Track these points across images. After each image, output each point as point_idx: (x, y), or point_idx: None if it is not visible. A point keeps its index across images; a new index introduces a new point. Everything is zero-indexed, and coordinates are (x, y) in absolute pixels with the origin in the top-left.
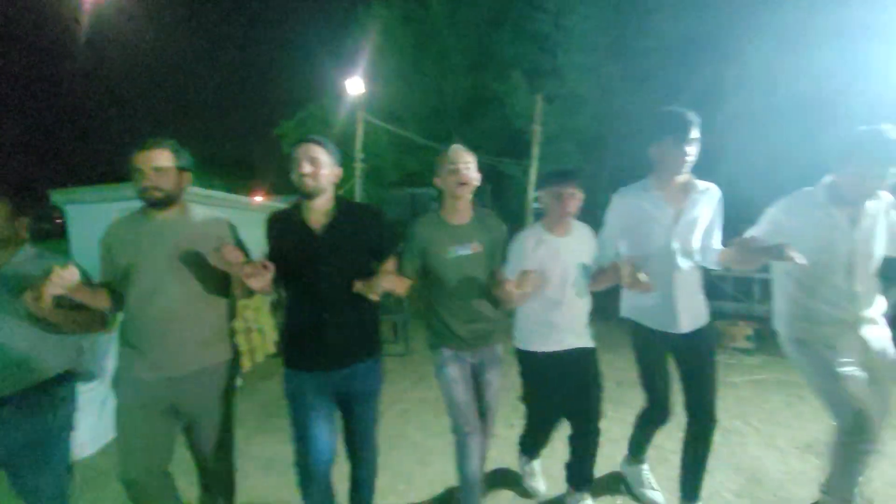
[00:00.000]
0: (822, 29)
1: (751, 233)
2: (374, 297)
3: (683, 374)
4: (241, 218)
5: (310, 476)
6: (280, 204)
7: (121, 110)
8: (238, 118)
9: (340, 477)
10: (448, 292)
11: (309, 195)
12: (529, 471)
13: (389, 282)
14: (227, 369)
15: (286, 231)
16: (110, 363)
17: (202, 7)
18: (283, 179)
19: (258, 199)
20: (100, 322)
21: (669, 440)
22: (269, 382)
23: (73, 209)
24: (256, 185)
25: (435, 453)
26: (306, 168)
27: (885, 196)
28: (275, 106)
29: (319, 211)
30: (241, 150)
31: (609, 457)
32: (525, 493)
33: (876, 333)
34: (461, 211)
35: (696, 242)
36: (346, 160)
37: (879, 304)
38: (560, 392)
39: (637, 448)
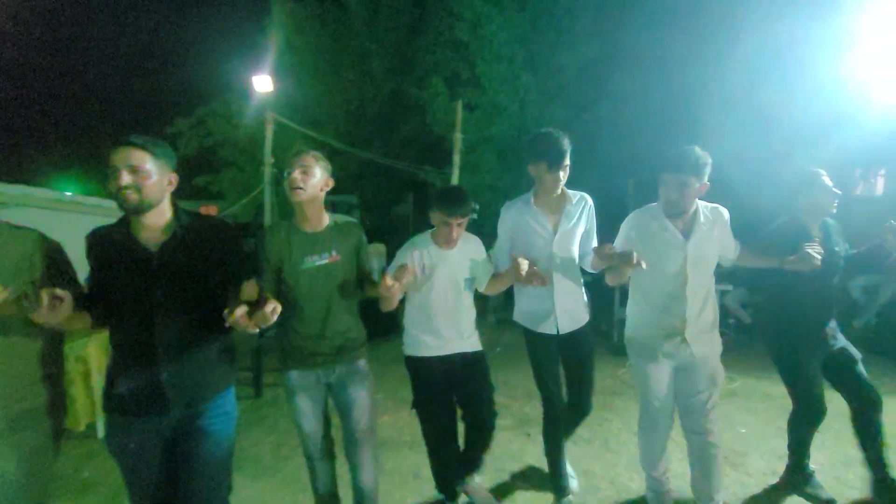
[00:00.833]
0: (722, 45)
1: (615, 243)
2: (251, 328)
3: (566, 371)
4: None
5: None
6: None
7: None
8: (125, 113)
9: None
10: (301, 305)
11: (133, 211)
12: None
13: (259, 316)
14: (37, 424)
15: (111, 252)
16: None
17: None
18: (183, 183)
19: None
20: None
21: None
22: None
23: None
24: None
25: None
26: (125, 179)
27: (721, 210)
28: (169, 101)
29: (153, 227)
30: None
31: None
32: None
33: (702, 339)
34: (312, 218)
35: (575, 250)
36: (255, 164)
37: (710, 311)
38: (449, 395)
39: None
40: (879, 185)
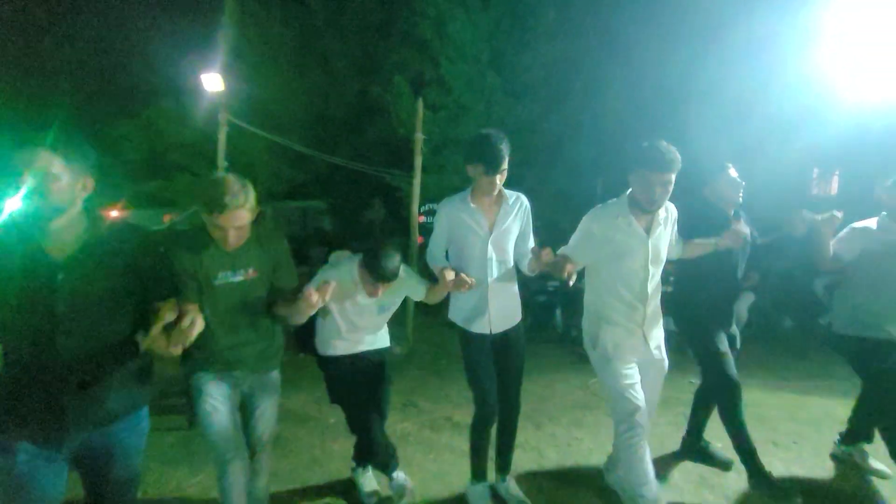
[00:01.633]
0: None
1: (571, 239)
2: (173, 350)
3: (497, 369)
4: None
5: None
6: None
7: None
8: (63, 112)
9: None
10: (214, 320)
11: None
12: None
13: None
14: None
15: (8, 260)
16: None
17: None
18: (135, 190)
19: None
20: None
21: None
22: None
23: None
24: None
25: None
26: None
27: (671, 207)
28: (114, 101)
29: (62, 236)
30: None
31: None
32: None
33: (655, 334)
34: (232, 238)
35: (511, 249)
36: (211, 169)
37: (660, 305)
38: (362, 389)
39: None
40: (834, 185)
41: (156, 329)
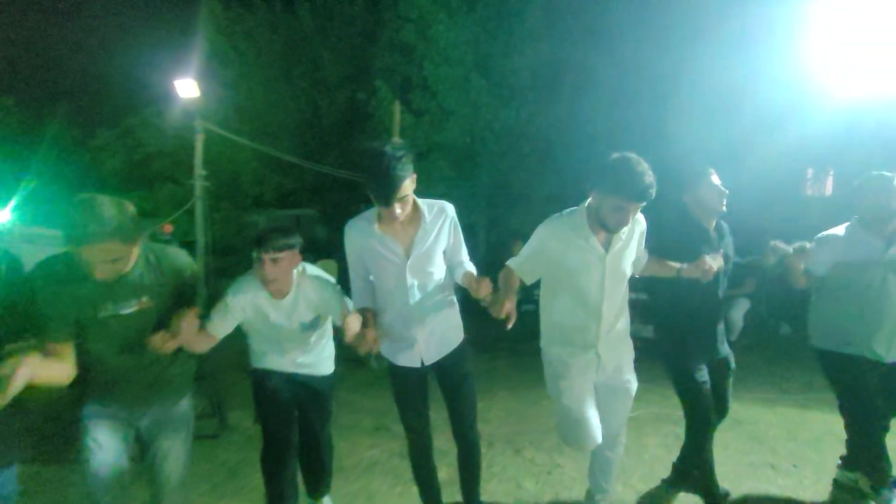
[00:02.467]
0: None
1: (522, 251)
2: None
3: (445, 400)
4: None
5: None
6: None
7: None
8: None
9: None
10: (105, 354)
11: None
12: None
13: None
14: None
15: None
16: None
17: None
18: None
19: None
20: None
21: None
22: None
23: None
24: None
25: None
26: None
27: (641, 219)
28: (92, 110)
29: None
30: None
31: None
32: None
33: (614, 352)
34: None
35: (437, 270)
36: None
37: (623, 323)
38: (285, 414)
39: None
40: (829, 186)
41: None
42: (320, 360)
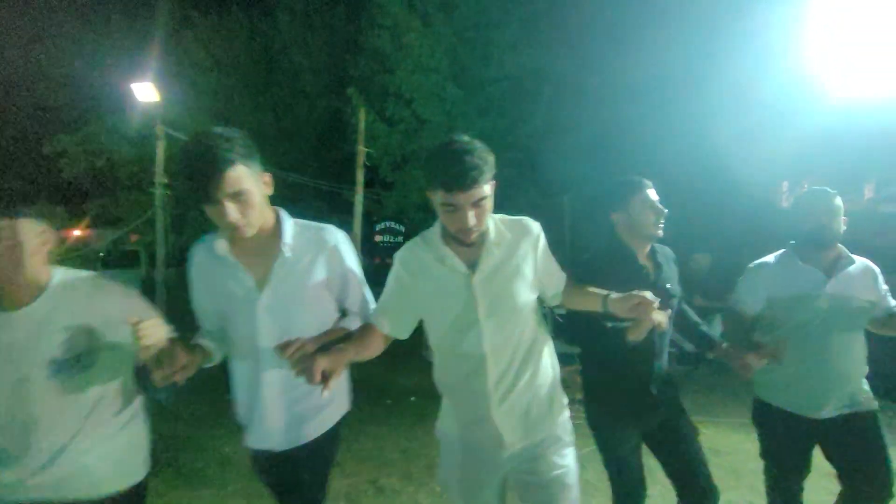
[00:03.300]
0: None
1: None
2: None
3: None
4: None
5: None
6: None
7: None
8: None
9: None
10: None
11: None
12: None
13: None
14: None
15: None
16: None
17: None
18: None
19: None
20: None
21: None
22: None
23: None
24: None
25: None
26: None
27: (528, 223)
28: (50, 114)
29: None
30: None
31: None
32: None
33: (525, 425)
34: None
35: (306, 314)
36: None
37: (538, 388)
38: None
39: None
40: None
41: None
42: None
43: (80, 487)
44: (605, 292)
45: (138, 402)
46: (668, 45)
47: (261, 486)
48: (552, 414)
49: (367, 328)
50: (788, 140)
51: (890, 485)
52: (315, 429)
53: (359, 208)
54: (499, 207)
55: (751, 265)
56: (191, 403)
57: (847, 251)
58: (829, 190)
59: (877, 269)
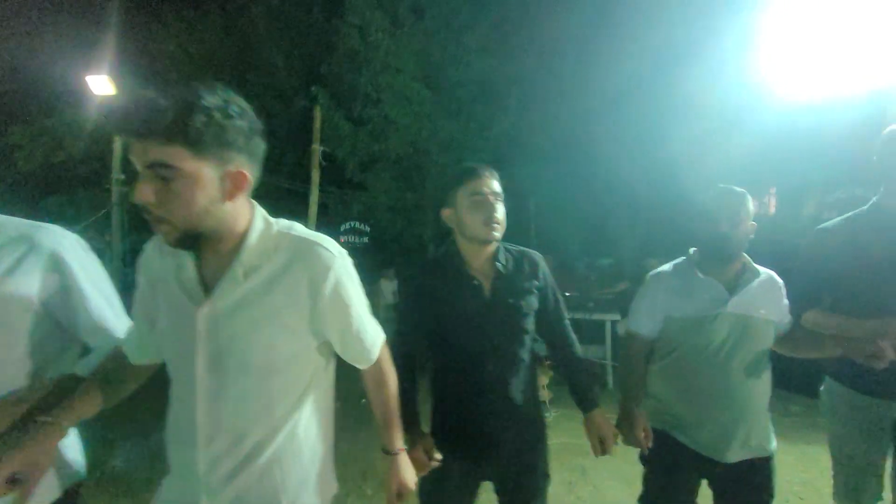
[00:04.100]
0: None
1: None
2: None
3: None
4: None
5: None
6: None
7: None
8: None
9: None
10: None
11: None
12: None
13: None
14: None
15: None
16: None
17: None
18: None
19: None
20: None
21: None
22: None
23: None
24: None
25: None
26: None
27: (292, 242)
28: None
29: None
30: None
31: None
32: None
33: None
34: None
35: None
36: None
37: (265, 467)
38: None
39: None
40: (772, 205)
41: None
42: None
43: None
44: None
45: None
46: (628, 54)
47: None
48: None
49: (116, 355)
50: (745, 145)
51: None
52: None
53: (313, 208)
54: None
55: (649, 275)
56: None
57: (751, 262)
58: (736, 190)
59: (780, 282)
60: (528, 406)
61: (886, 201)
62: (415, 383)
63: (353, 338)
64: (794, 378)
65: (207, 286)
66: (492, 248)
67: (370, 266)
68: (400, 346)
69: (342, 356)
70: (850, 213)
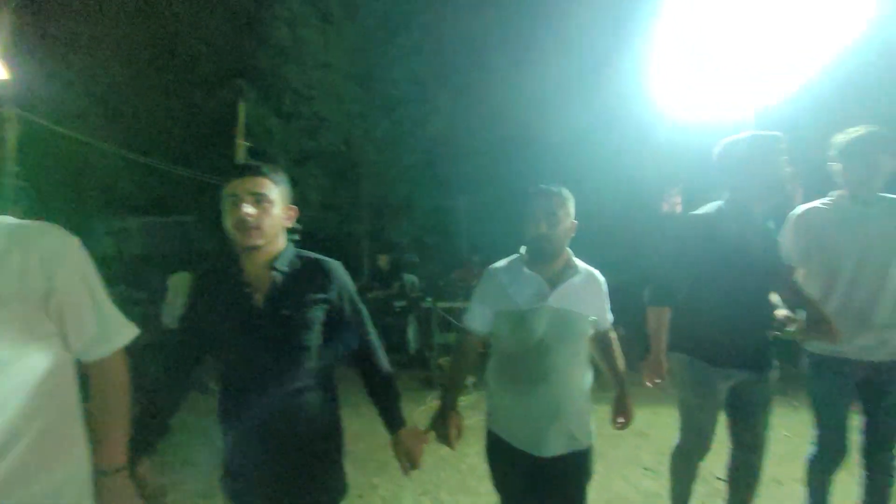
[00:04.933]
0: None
1: None
2: None
3: None
4: None
5: None
6: None
7: None
8: None
9: None
10: None
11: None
12: None
13: None
14: None
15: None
16: None
17: None
18: None
19: None
20: None
21: None
22: None
23: None
24: None
25: None
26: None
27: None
28: None
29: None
30: None
31: None
32: None
33: None
34: None
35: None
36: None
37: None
38: None
39: None
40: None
41: None
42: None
43: None
44: None
45: None
46: (554, 63)
47: None
48: None
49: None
50: (652, 154)
51: None
52: None
53: None
54: (404, 208)
55: (487, 269)
56: None
57: (574, 259)
58: (553, 191)
59: (601, 280)
60: (315, 425)
61: (737, 201)
62: (169, 391)
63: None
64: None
65: None
66: (266, 254)
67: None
68: (166, 347)
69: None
70: (709, 206)
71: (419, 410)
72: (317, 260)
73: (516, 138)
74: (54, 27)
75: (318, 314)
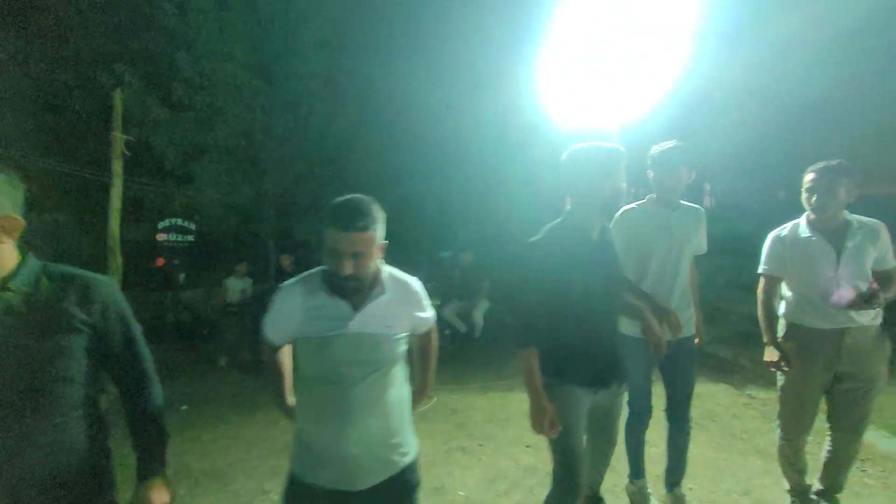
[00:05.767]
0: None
1: None
2: None
3: None
4: None
5: None
6: None
7: None
8: None
9: None
10: None
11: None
12: None
13: None
14: None
15: None
16: None
17: None
18: None
19: None
20: None
21: None
22: None
23: None
24: None
25: None
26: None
27: None
28: None
29: None
30: None
31: None
32: None
33: None
34: None
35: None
36: None
37: None
38: None
39: None
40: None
41: None
42: None
43: None
44: None
45: None
46: (454, 63)
47: None
48: None
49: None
50: (540, 158)
51: None
52: None
53: (116, 202)
54: (310, 206)
55: (280, 287)
56: None
57: (383, 272)
58: (357, 224)
59: (415, 286)
60: (79, 462)
61: (577, 212)
62: None
63: None
64: None
65: None
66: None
67: (204, 266)
68: None
69: None
70: (549, 226)
71: None
72: (72, 273)
73: (425, 137)
74: None
75: (75, 340)
